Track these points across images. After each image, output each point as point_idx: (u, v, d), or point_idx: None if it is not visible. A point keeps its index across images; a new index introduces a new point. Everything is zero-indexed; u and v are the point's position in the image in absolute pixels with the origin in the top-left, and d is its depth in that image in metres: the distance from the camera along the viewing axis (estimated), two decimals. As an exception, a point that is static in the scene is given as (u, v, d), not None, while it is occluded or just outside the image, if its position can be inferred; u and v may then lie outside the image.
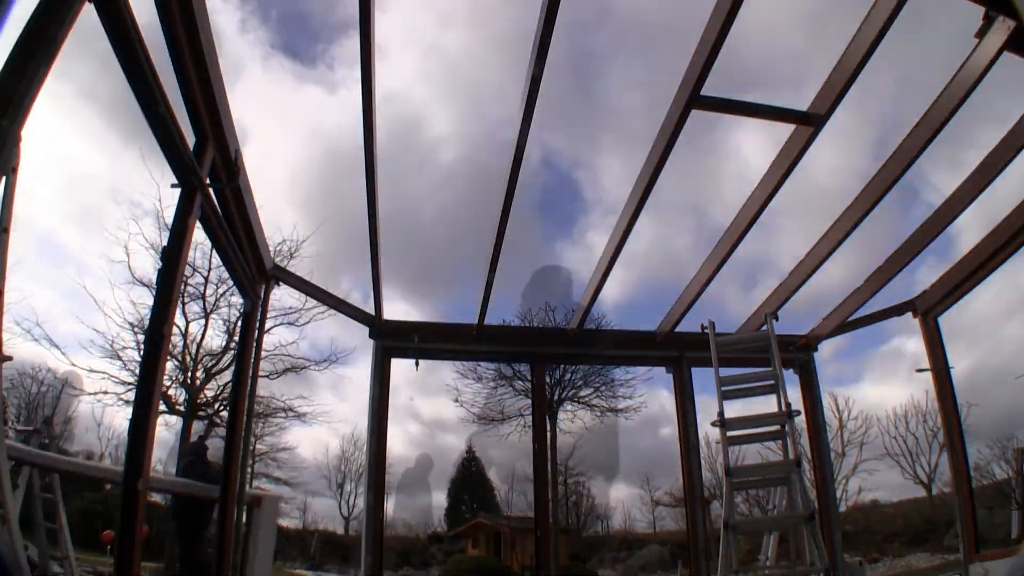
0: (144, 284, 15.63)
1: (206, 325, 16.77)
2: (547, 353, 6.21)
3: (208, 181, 3.14)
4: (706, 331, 4.88)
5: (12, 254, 2.77)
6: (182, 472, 5.53)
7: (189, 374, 16.49)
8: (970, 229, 5.06)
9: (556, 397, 20.18)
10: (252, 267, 4.23)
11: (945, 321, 5.75)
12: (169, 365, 14.83)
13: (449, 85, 15.89)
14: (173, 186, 2.95)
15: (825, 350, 5.94)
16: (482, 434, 21.01)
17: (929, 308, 5.72)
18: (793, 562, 4.85)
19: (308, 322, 16.57)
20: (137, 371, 14.88)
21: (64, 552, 4.95)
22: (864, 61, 3.43)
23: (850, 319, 5.78)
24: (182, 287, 9.74)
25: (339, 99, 21.49)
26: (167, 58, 2.61)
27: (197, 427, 16.00)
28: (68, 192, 20.11)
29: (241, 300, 4.66)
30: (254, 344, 4.53)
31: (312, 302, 15.48)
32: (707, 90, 3.57)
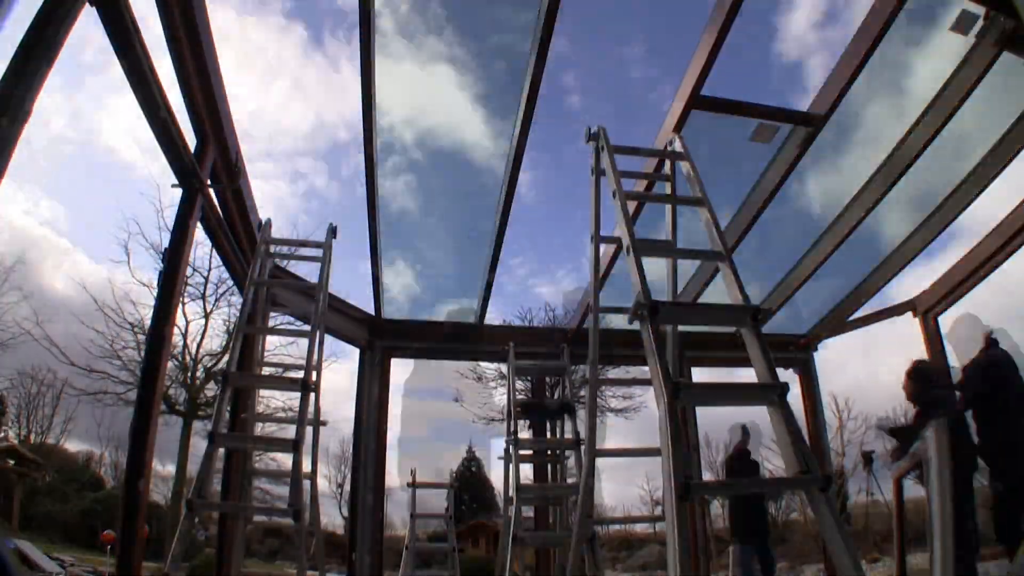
0: (144, 284, 15.65)
1: (206, 325, 16.79)
2: (547, 353, 6.19)
3: (209, 182, 3.14)
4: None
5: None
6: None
7: (189, 374, 16.50)
8: (970, 229, 5.07)
9: (556, 397, 20.14)
10: (252, 267, 4.23)
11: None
12: (169, 365, 14.83)
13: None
14: (174, 186, 2.95)
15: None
16: (482, 434, 21.02)
17: (929, 308, 5.73)
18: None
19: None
20: (137, 371, 14.89)
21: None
22: (864, 60, 3.43)
23: (850, 319, 5.78)
24: (182, 287, 9.73)
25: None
26: (167, 59, 2.61)
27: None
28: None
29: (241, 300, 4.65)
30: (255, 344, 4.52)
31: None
32: (707, 90, 3.58)
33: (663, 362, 1.96)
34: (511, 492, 3.97)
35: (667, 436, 1.78)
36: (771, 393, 1.96)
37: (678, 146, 2.88)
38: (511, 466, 4.08)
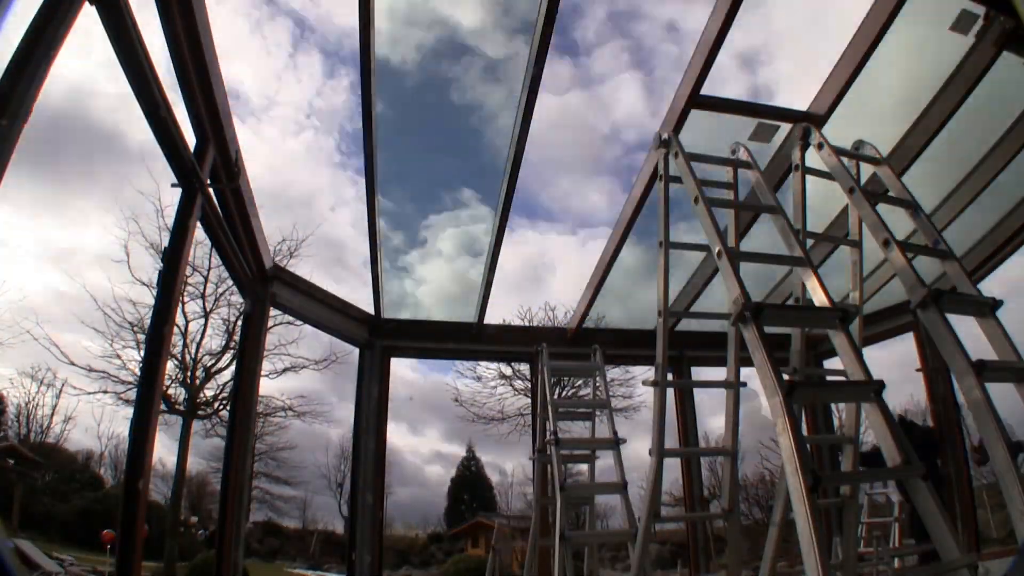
0: (144, 284, 15.65)
1: (206, 325, 16.78)
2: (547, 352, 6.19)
3: (209, 182, 3.14)
4: None
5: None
6: None
7: (189, 374, 16.50)
8: (970, 229, 5.05)
9: (556, 397, 20.07)
10: (252, 267, 4.22)
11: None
12: (169, 365, 14.83)
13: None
14: (173, 186, 2.95)
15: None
16: (482, 434, 21.04)
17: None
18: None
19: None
20: (137, 371, 14.89)
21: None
22: (864, 60, 3.43)
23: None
24: (182, 287, 9.72)
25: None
26: (168, 59, 2.61)
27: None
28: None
29: (241, 300, 4.66)
30: (255, 344, 4.52)
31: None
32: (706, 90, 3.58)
33: (774, 361, 2.05)
34: (554, 490, 3.93)
35: (788, 433, 1.87)
36: (869, 390, 2.11)
37: (743, 155, 2.99)
38: (551, 465, 4.08)
